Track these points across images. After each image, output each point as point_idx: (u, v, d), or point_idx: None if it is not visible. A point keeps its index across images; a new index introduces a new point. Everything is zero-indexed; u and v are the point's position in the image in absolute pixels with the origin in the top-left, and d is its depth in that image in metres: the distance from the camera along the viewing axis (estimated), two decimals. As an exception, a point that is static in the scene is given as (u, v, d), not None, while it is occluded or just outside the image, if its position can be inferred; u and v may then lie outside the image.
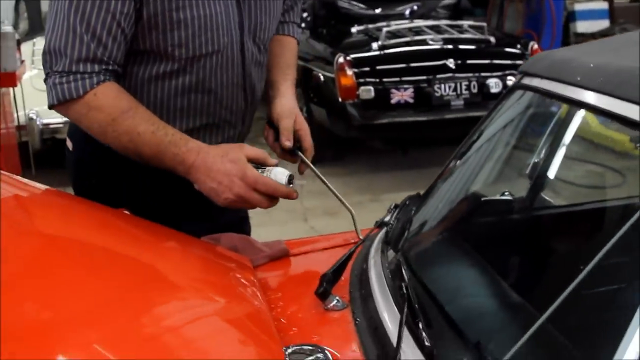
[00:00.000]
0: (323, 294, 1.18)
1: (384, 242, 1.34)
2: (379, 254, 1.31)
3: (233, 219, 1.73)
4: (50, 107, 1.46)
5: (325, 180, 1.50)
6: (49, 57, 1.43)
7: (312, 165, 1.55)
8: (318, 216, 4.07)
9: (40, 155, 4.98)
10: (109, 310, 1.04)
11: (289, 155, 1.59)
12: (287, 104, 1.62)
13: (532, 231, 1.55)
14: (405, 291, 1.02)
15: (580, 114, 1.54)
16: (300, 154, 1.56)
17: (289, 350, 1.05)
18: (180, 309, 1.13)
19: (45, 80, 1.46)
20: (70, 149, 1.66)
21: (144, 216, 1.45)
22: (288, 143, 1.57)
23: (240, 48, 1.55)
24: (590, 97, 1.10)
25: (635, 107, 0.98)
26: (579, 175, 2.46)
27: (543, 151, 1.67)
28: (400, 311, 1.05)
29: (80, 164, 1.66)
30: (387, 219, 1.51)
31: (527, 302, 1.18)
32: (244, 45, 1.55)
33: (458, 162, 1.53)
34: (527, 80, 1.37)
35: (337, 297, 1.19)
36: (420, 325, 0.96)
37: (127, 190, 1.60)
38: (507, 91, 1.48)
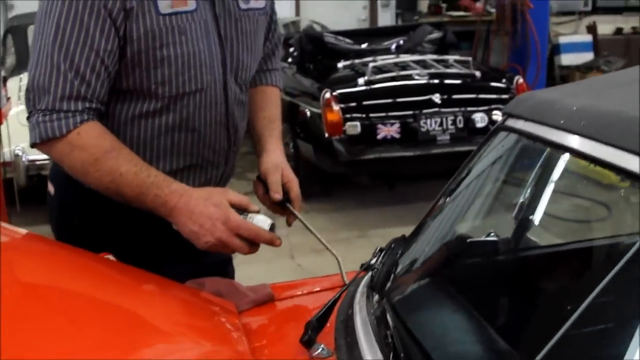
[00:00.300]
0: (308, 342, 1.16)
1: (369, 287, 1.32)
2: (364, 299, 1.29)
3: (217, 260, 1.72)
4: (33, 145, 1.45)
5: (313, 230, 1.52)
6: (32, 95, 1.43)
7: (299, 215, 1.57)
8: (305, 253, 4.04)
9: (25, 192, 4.95)
10: (90, 357, 1.02)
11: (279, 207, 1.60)
12: (272, 160, 1.63)
13: (517, 272, 1.54)
14: (390, 340, 1.00)
15: (565, 156, 1.55)
16: (288, 205, 1.58)
17: (273, 402, 1.03)
18: (164, 355, 1.12)
19: (28, 119, 1.46)
20: (52, 193, 1.65)
21: (127, 258, 1.45)
22: (277, 195, 1.57)
23: (223, 87, 1.56)
24: (573, 141, 1.10)
25: (618, 151, 0.98)
26: (565, 209, 2.46)
27: (528, 191, 1.67)
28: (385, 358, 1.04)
29: (63, 207, 1.65)
30: (372, 262, 1.50)
31: (514, 349, 1.17)
32: (226, 84, 1.56)
33: (443, 204, 1.52)
34: (510, 122, 1.37)
35: (322, 345, 1.17)
36: (406, 377, 0.94)
37: (109, 232, 1.59)
38: (491, 132, 1.48)
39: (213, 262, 1.69)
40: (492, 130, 1.47)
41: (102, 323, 1.16)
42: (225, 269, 1.78)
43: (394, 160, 5.03)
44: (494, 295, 1.40)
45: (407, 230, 5.26)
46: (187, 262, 1.60)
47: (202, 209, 1.39)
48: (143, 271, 1.41)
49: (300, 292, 1.51)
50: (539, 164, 1.66)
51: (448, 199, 1.52)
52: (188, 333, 1.25)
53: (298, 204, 1.60)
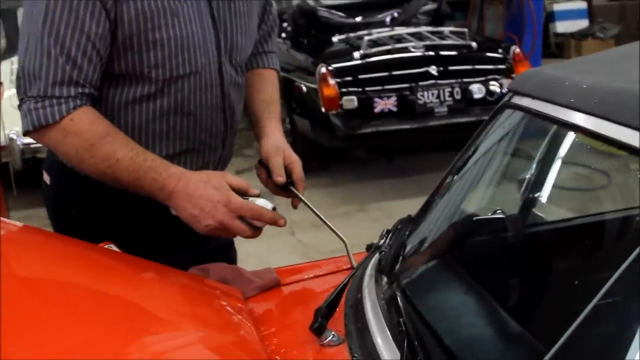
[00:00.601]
0: (318, 330, 1.15)
1: (377, 270, 1.30)
2: (373, 282, 1.28)
3: (219, 244, 1.70)
4: (25, 133, 1.42)
5: (318, 212, 1.49)
6: (23, 82, 1.40)
7: (303, 198, 1.55)
8: (305, 229, 4.03)
9: (21, 175, 4.91)
10: (91, 350, 1.00)
11: (283, 191, 1.57)
12: (273, 143, 1.60)
13: (526, 250, 1.52)
14: (404, 327, 0.99)
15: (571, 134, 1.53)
16: (292, 188, 1.55)
17: (286, 393, 1.01)
18: (170, 347, 1.10)
19: (19, 106, 1.42)
20: (48, 182, 1.63)
21: (127, 246, 1.42)
22: (280, 179, 1.55)
23: (218, 69, 1.53)
24: (584, 120, 1.07)
25: (632, 131, 0.95)
26: (565, 177, 2.46)
27: (534, 168, 1.65)
28: (399, 347, 1.03)
29: (59, 197, 1.62)
30: (379, 244, 1.49)
31: (526, 330, 1.16)
32: (221, 66, 1.54)
33: (449, 182, 1.50)
34: (517, 100, 1.35)
35: (332, 332, 1.16)
36: (421, 365, 0.93)
37: (107, 221, 1.57)
38: (496, 110, 1.45)
39: (215, 246, 1.68)
40: (497, 107, 1.44)
41: (103, 314, 1.14)
42: (227, 252, 1.76)
43: (392, 134, 4.99)
44: (503, 274, 1.39)
45: (406, 204, 5.31)
46: (188, 248, 1.59)
47: (202, 192, 1.37)
48: (145, 260, 1.39)
49: (306, 276, 1.49)
50: (545, 141, 1.64)
51: (454, 177, 1.50)
52: (194, 322, 1.23)
53: (302, 185, 1.57)
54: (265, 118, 1.66)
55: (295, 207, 1.58)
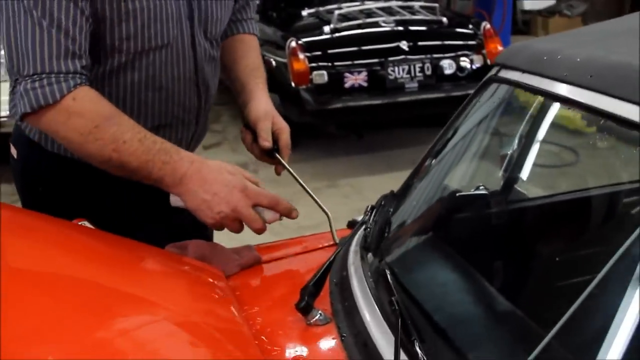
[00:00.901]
0: (305, 309, 1.12)
1: (362, 247, 1.27)
2: (359, 259, 1.25)
3: (193, 218, 1.65)
4: (22, 117, 1.31)
5: (302, 182, 1.47)
6: (16, 61, 1.29)
7: (288, 167, 1.52)
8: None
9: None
10: (60, 331, 0.95)
11: (267, 157, 1.54)
12: (262, 108, 1.56)
13: (510, 225, 1.51)
14: (396, 306, 0.96)
15: (555, 106, 1.51)
16: (277, 155, 1.52)
17: (275, 374, 0.98)
18: (148, 332, 1.03)
19: (12, 91, 1.33)
20: (15, 156, 1.56)
21: (100, 223, 1.37)
22: (267, 143, 1.51)
23: (191, 42, 1.48)
24: (579, 94, 1.05)
25: (633, 106, 0.93)
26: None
27: (515, 143, 1.64)
28: (390, 326, 1.00)
29: (26, 171, 1.56)
30: (364, 220, 1.46)
31: (515, 305, 1.14)
32: (194, 39, 1.49)
33: (432, 158, 1.48)
34: (505, 74, 1.32)
35: (319, 311, 1.13)
36: (417, 345, 0.90)
37: (77, 196, 1.51)
38: (481, 84, 1.42)
39: (189, 221, 1.62)
40: (483, 81, 1.42)
41: (74, 293, 1.08)
42: (203, 227, 1.71)
43: (362, 109, 4.96)
44: (489, 250, 1.37)
45: (376, 179, 5.29)
46: (162, 223, 1.55)
47: (217, 176, 1.31)
48: (121, 237, 1.33)
49: (287, 253, 1.45)
50: (527, 115, 1.63)
51: (438, 152, 1.47)
52: (174, 302, 1.18)
53: (287, 152, 1.54)
54: (253, 83, 1.62)
55: (278, 174, 1.55)
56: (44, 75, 1.28)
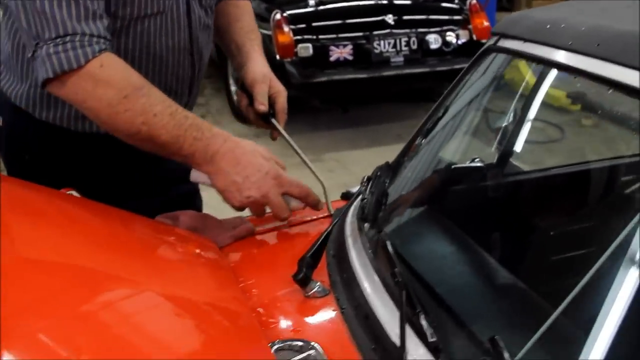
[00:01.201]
0: (303, 281, 1.09)
1: (359, 219, 1.25)
2: (357, 231, 1.22)
3: (184, 191, 1.63)
4: (44, 84, 1.25)
5: (297, 148, 1.46)
6: (34, 26, 1.23)
7: (284, 132, 1.50)
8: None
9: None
10: (46, 307, 0.91)
11: (263, 121, 1.51)
12: (259, 70, 1.53)
13: (507, 198, 1.50)
14: (400, 278, 0.94)
15: (550, 76, 1.50)
16: (273, 120, 1.50)
17: (275, 347, 0.95)
18: (142, 306, 0.99)
19: (32, 56, 1.25)
20: (0, 124, 1.51)
21: (89, 193, 1.32)
22: (262, 107, 1.48)
23: (186, 10, 1.44)
24: (586, 63, 1.03)
25: (642, 74, 0.91)
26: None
27: (511, 116, 1.62)
28: (393, 298, 0.98)
29: (12, 140, 1.52)
30: (355, 191, 1.43)
31: (515, 275, 1.13)
32: (189, 7, 1.45)
33: (428, 128, 1.44)
34: (504, 43, 1.29)
35: (318, 283, 1.11)
36: (422, 318, 0.88)
37: (67, 166, 1.48)
38: (479, 54, 1.40)
39: (180, 194, 1.61)
40: (481, 51, 1.39)
41: (63, 267, 1.04)
42: (193, 199, 1.69)
43: (347, 83, 4.91)
44: (487, 222, 1.36)
45: (361, 154, 5.25)
46: (153, 195, 1.52)
47: (251, 159, 1.28)
48: (110, 207, 1.29)
49: (280, 224, 1.41)
50: (522, 86, 1.61)
51: (434, 123, 1.44)
52: (163, 273, 1.15)
53: (283, 117, 1.52)
54: (249, 45, 1.59)
55: (274, 139, 1.53)
56: (67, 38, 1.21)
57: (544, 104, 1.62)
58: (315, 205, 1.35)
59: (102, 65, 1.23)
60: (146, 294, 1.04)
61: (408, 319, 0.89)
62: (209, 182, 1.32)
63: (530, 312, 1.04)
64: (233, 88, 5.38)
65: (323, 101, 5.63)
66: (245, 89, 1.53)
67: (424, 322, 0.88)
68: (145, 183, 1.51)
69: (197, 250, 1.23)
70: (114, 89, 1.23)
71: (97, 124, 1.39)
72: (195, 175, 1.33)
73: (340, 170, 4.47)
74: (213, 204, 1.69)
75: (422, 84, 5.04)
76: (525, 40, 1.21)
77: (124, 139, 1.29)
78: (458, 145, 1.56)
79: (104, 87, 1.23)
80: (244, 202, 1.28)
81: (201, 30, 1.49)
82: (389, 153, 1.47)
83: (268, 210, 1.35)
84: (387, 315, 0.96)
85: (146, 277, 1.10)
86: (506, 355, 0.78)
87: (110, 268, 1.09)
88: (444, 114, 1.44)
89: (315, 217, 1.42)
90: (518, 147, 1.59)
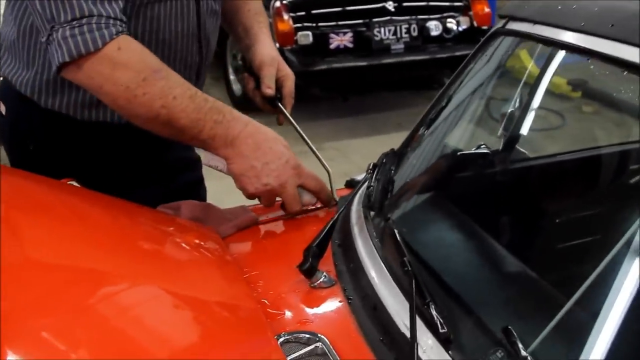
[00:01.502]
0: (309, 271, 1.07)
1: (366, 207, 1.22)
2: (362, 219, 1.19)
3: (188, 180, 1.61)
4: (59, 69, 1.21)
5: (302, 133, 1.44)
6: (49, 9, 1.19)
7: (290, 117, 1.48)
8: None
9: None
10: (49, 303, 0.89)
11: (269, 105, 1.49)
12: (268, 52, 1.51)
13: (514, 185, 1.48)
14: (409, 267, 0.91)
15: (558, 58, 1.47)
16: (280, 105, 1.47)
17: (281, 340, 0.93)
18: (143, 300, 0.97)
19: (46, 40, 1.21)
20: (3, 112, 1.48)
21: (91, 183, 1.30)
22: (269, 90, 1.46)
23: None
24: (600, 44, 0.99)
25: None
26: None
27: (517, 101, 1.59)
28: (402, 288, 0.96)
29: (15, 129, 1.49)
30: (360, 179, 1.41)
31: (523, 263, 1.11)
32: None
33: (435, 114, 1.41)
34: (513, 25, 1.26)
35: (324, 273, 1.08)
36: (433, 308, 0.85)
37: (69, 156, 1.44)
38: (487, 37, 1.37)
39: (184, 183, 1.58)
40: (489, 34, 1.36)
41: (64, 260, 1.02)
42: (198, 189, 1.66)
43: (347, 71, 4.87)
44: (493, 209, 1.33)
45: (361, 143, 5.24)
46: (156, 184, 1.49)
47: (272, 145, 1.26)
48: (111, 197, 1.27)
49: (283, 213, 1.38)
50: (528, 70, 1.59)
51: (441, 108, 1.41)
52: (165, 264, 1.12)
53: (290, 101, 1.50)
54: (257, 27, 1.57)
55: (280, 124, 1.51)
56: (84, 20, 1.17)
57: (545, 91, 1.60)
58: (327, 202, 1.33)
59: (119, 48, 1.19)
60: (147, 288, 1.01)
61: (418, 309, 0.86)
62: (223, 166, 1.29)
63: (541, 300, 1.01)
64: (232, 77, 5.34)
65: (323, 89, 5.59)
66: (253, 72, 1.51)
67: (434, 313, 0.85)
68: (151, 171, 1.49)
69: (200, 241, 1.20)
70: (132, 71, 1.20)
71: (109, 111, 1.37)
72: (207, 159, 1.31)
73: (340, 159, 4.43)
74: (214, 194, 1.67)
75: (423, 71, 5.01)
76: (535, 22, 1.18)
77: (141, 124, 1.26)
78: (462, 133, 1.54)
79: (122, 70, 1.19)
80: (260, 189, 1.25)
81: (209, 16, 1.46)
82: (389, 141, 1.45)
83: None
84: (396, 305, 0.94)
85: (148, 271, 1.08)
86: (520, 345, 0.76)
87: (111, 262, 1.06)
88: (450, 99, 1.41)
89: (319, 205, 1.39)
90: (524, 132, 1.57)
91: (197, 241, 1.20)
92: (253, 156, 1.24)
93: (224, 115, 1.24)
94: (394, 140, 1.42)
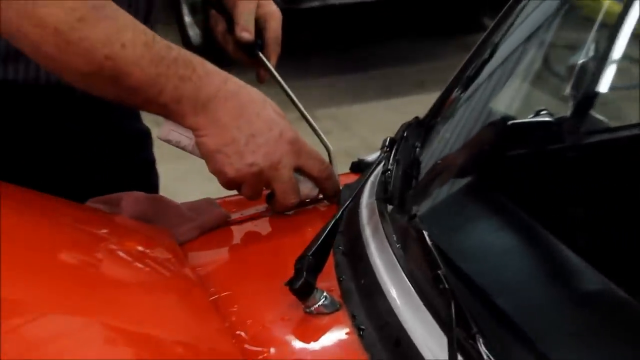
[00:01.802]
0: (303, 290, 1.05)
1: (381, 200, 1.22)
2: (377, 217, 1.19)
3: (133, 162, 1.64)
4: None
5: (293, 95, 1.47)
6: None
7: (274, 72, 1.49)
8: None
9: None
10: None
11: (246, 54, 1.50)
12: None
13: (590, 167, 1.49)
14: (446, 285, 0.90)
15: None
16: (260, 55, 1.48)
17: (265, 391, 0.91)
18: (57, 335, 0.92)
19: None
20: None
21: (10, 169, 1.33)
22: (246, 35, 1.46)
23: None
24: None
25: None
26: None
27: (591, 49, 1.61)
28: (435, 315, 0.94)
29: None
30: (371, 160, 1.42)
31: (608, 278, 1.11)
32: None
33: (474, 69, 1.44)
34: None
35: (324, 293, 1.07)
36: (480, 344, 0.84)
37: None
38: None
39: (127, 166, 1.61)
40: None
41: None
42: (147, 175, 1.70)
43: (347, 9, 4.98)
44: (561, 201, 1.33)
45: (366, 109, 5.34)
46: (88, 169, 1.53)
47: (261, 111, 1.25)
48: (23, 189, 1.27)
49: (263, 209, 1.39)
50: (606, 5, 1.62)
51: (479, 65, 1.45)
52: (102, 284, 1.11)
53: (275, 49, 1.51)
54: None
55: (261, 80, 1.51)
56: None
57: (630, 35, 1.61)
58: (333, 194, 1.34)
59: None
60: (65, 320, 0.98)
61: (459, 344, 0.85)
62: (188, 141, 1.28)
63: (634, 331, 1.01)
64: (188, 19, 5.37)
65: (316, 36, 5.63)
66: (223, 9, 1.51)
67: (482, 349, 0.84)
68: (82, 151, 1.51)
69: (146, 249, 1.20)
70: (61, 8, 1.16)
71: (31, 66, 1.37)
72: (166, 131, 1.28)
73: (339, 132, 4.48)
74: (170, 182, 1.66)
75: (454, 7, 5.05)
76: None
77: (77, 83, 1.25)
78: (514, 95, 1.57)
79: (48, 6, 1.16)
80: (243, 172, 1.24)
81: None
82: (408, 108, 1.46)
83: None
84: (428, 339, 0.93)
85: (67, 295, 1.05)
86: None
87: (14, 286, 1.03)
88: (495, 48, 1.45)
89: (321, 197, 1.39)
90: (603, 90, 1.60)
91: (142, 249, 1.20)
92: (234, 125, 1.23)
93: (193, 69, 1.22)
94: (414, 105, 1.42)
